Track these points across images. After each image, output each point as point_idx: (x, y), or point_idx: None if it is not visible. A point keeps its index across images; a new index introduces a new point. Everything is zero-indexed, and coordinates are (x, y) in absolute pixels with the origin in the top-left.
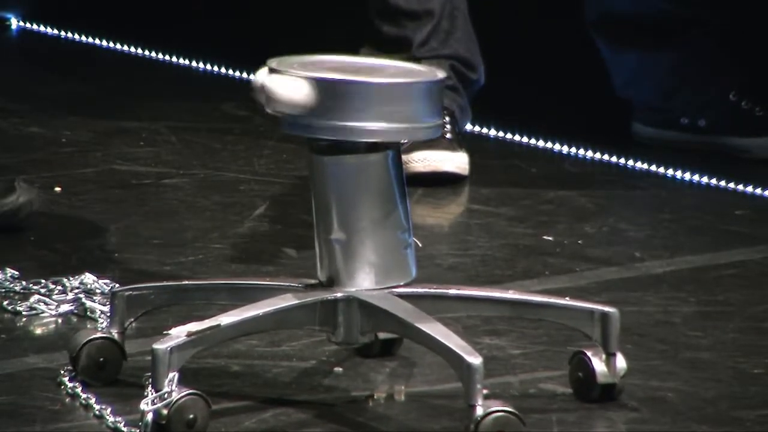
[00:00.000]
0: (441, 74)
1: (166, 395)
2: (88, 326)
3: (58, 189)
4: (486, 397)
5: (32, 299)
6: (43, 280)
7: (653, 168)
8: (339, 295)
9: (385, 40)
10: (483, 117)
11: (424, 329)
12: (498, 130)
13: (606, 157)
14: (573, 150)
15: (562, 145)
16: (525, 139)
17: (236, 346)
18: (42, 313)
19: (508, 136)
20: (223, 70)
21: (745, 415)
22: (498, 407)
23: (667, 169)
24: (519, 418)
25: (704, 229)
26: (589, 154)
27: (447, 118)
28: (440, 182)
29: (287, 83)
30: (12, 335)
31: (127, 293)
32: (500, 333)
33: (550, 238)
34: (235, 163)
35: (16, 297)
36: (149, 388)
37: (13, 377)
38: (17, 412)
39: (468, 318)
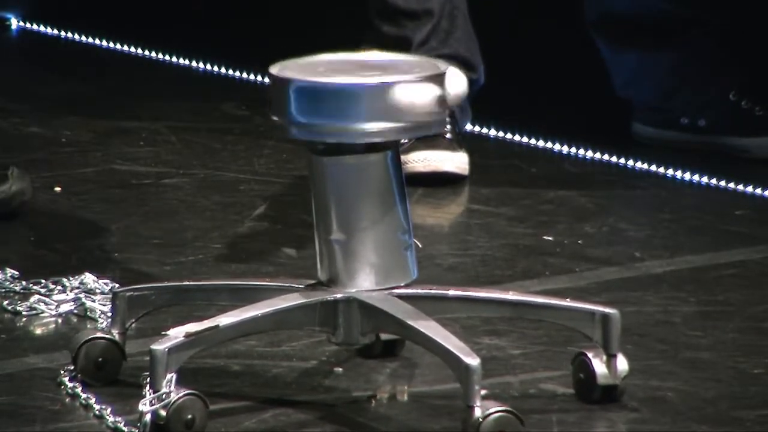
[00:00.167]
0: (443, 66)
1: (164, 396)
2: (89, 326)
3: (58, 189)
4: (484, 398)
5: (32, 299)
6: (43, 280)
7: (653, 168)
8: (339, 295)
9: (384, 40)
10: (483, 117)
11: (422, 330)
12: (498, 130)
13: (606, 157)
14: (573, 150)
15: (562, 145)
16: (525, 139)
17: (236, 347)
18: (42, 313)
19: (508, 136)
20: (223, 70)
21: (745, 415)
22: (497, 408)
23: (667, 169)
24: (518, 418)
25: (704, 229)
26: (589, 154)
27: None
28: (440, 182)
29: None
30: (12, 335)
31: (128, 294)
32: (500, 333)
33: (550, 238)
34: (235, 163)
35: (16, 297)
36: (147, 388)
37: (13, 377)
38: (17, 412)
39: (468, 318)
